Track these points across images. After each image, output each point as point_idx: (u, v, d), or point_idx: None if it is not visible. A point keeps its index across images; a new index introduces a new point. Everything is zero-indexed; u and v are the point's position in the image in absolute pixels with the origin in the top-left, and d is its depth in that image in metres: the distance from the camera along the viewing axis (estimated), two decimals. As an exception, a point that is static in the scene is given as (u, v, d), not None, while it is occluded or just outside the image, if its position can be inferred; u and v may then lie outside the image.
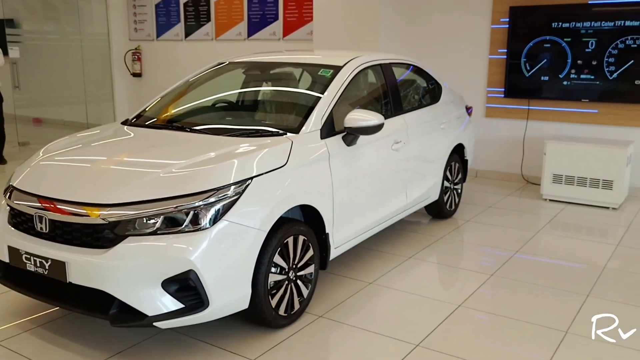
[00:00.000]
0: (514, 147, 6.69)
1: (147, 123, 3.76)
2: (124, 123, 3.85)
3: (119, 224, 2.64)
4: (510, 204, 5.82)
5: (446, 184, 5.05)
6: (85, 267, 2.62)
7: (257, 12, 8.45)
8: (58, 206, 2.73)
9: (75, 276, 2.65)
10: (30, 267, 2.78)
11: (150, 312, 2.60)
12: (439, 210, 5.09)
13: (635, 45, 5.71)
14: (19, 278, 3.00)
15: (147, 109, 4.04)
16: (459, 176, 5.33)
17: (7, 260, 2.90)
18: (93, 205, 2.66)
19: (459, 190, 5.37)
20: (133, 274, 2.59)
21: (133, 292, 2.59)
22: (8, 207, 3.03)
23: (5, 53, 8.66)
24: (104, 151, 3.26)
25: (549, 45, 6.16)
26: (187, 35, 9.24)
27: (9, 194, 3.06)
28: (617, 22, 5.78)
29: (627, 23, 5.73)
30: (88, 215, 2.65)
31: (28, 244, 2.80)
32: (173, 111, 3.97)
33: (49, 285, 2.87)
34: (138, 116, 3.96)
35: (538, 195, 6.02)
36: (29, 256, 2.77)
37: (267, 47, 8.31)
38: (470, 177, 6.91)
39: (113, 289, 2.59)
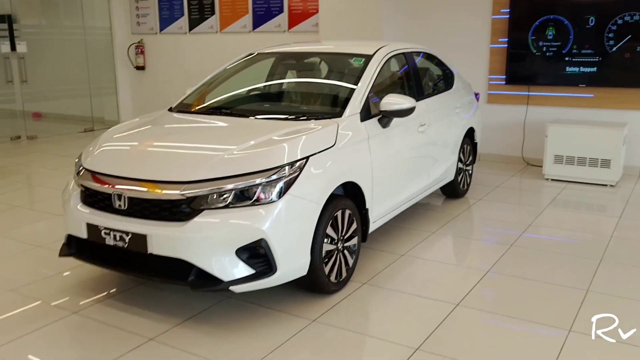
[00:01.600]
0: (515, 131, 7.06)
1: (194, 110, 4.01)
2: (171, 110, 4.10)
3: (195, 199, 2.91)
4: (515, 184, 6.19)
5: (459, 165, 5.38)
6: (166, 239, 2.89)
7: (261, 5, 8.67)
8: (137, 185, 2.99)
9: (156, 247, 2.92)
10: (110, 241, 3.04)
11: (225, 278, 2.89)
12: (453, 190, 5.43)
13: (629, 34, 6.10)
14: (91, 253, 3.26)
15: (187, 98, 4.28)
16: (470, 158, 5.68)
17: (85, 236, 3.15)
18: (173, 183, 2.93)
19: (470, 172, 5.72)
20: (210, 244, 2.87)
21: (210, 260, 2.87)
22: (81, 188, 3.27)
23: (13, 48, 8.79)
24: (166, 135, 3.52)
25: (549, 32, 6.52)
26: (191, 28, 9.41)
27: (80, 175, 3.30)
28: (613, 9, 6.16)
29: (622, 10, 6.11)
30: (169, 192, 2.91)
31: (107, 220, 3.05)
32: (216, 99, 4.23)
33: (120, 258, 3.14)
34: (180, 104, 4.20)
35: (540, 175, 6.40)
36: (108, 231, 3.03)
37: (273, 39, 8.53)
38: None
39: (192, 257, 2.87)
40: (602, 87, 6.41)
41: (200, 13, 9.25)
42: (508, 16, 6.77)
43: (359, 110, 3.71)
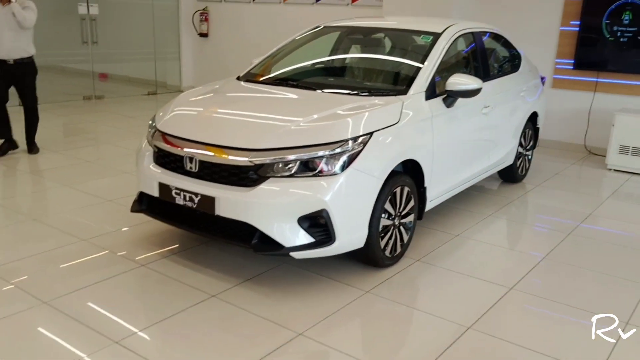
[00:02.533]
0: (579, 118, 6.86)
1: (262, 80, 4.11)
2: (238, 79, 4.21)
3: (262, 167, 3.02)
4: (576, 172, 6.05)
5: (520, 149, 5.31)
6: (233, 202, 3.03)
7: (326, -23, 8.63)
8: (208, 149, 3.13)
9: (223, 210, 3.06)
10: (180, 201, 3.20)
11: (286, 244, 3.01)
12: (511, 175, 5.37)
13: None
14: (161, 211, 3.44)
15: (254, 68, 4.38)
16: (531, 143, 5.58)
17: (156, 194, 3.33)
18: (242, 150, 3.05)
19: (530, 157, 5.63)
20: (274, 210, 2.99)
21: (273, 225, 2.99)
22: (154, 149, 3.44)
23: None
24: (236, 102, 3.65)
25: (623, 18, 6.26)
26: (255, -3, 9.48)
27: (153, 136, 3.47)
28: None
29: None
30: (239, 157, 3.04)
31: (178, 180, 3.21)
32: (283, 70, 4.31)
33: (188, 217, 3.30)
34: (248, 74, 4.30)
35: (602, 165, 6.23)
36: (179, 191, 3.19)
37: (336, 12, 8.52)
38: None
39: (257, 222, 3.00)
40: (678, 77, 6.14)
41: (265, -18, 9.29)
42: (582, -2, 6.53)
43: (424, 89, 3.72)
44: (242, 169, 3.06)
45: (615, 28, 6.34)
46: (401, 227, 3.57)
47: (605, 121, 6.46)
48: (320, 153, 3.03)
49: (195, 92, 3.88)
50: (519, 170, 5.43)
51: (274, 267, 3.46)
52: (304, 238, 3.04)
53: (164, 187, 3.27)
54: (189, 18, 10.28)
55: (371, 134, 3.20)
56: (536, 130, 5.67)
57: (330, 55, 4.62)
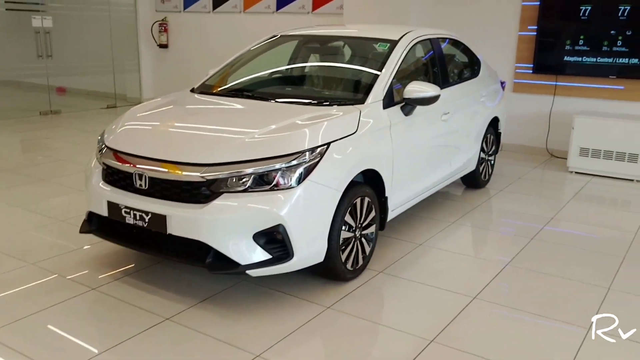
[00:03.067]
0: (540, 121, 6.93)
1: (216, 91, 4.00)
2: (192, 91, 4.09)
3: (214, 182, 2.91)
4: (538, 176, 6.09)
5: (482, 155, 5.31)
6: (185, 220, 2.90)
7: (286, -15, 8.58)
8: (158, 165, 3.00)
9: (175, 228, 2.93)
10: (130, 220, 3.06)
11: (242, 261, 2.89)
12: (474, 180, 5.36)
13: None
14: (111, 231, 3.29)
15: (209, 79, 4.26)
16: (493, 148, 5.59)
17: (105, 214, 3.18)
18: (194, 165, 2.93)
19: (492, 162, 5.64)
20: (228, 227, 2.87)
21: (228, 243, 2.88)
22: (103, 166, 3.29)
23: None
24: (189, 116, 3.52)
25: (579, 22, 6.35)
26: (214, 7, 9.38)
27: (102, 153, 3.32)
28: (647, 1, 5.98)
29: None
30: (190, 173, 2.92)
31: (128, 199, 3.07)
32: (239, 81, 4.20)
33: (139, 237, 3.16)
34: (202, 85, 4.18)
35: (564, 168, 6.29)
36: (128, 210, 3.05)
37: (297, 20, 8.47)
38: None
39: (211, 240, 2.88)
40: (634, 79, 6.24)
41: (224, -8, 9.19)
42: (539, 3, 6.60)
43: (382, 97, 3.66)
44: (193, 185, 2.94)
45: (571, 32, 6.42)
46: (362, 239, 3.49)
47: (565, 124, 6.53)
48: (276, 166, 2.93)
49: (146, 106, 3.74)
50: (482, 175, 5.42)
51: (232, 285, 3.34)
52: (261, 255, 2.93)
53: (113, 206, 3.12)
54: (147, 29, 10.10)
55: (328, 144, 3.12)
56: (498, 135, 5.68)
57: (287, 65, 4.53)
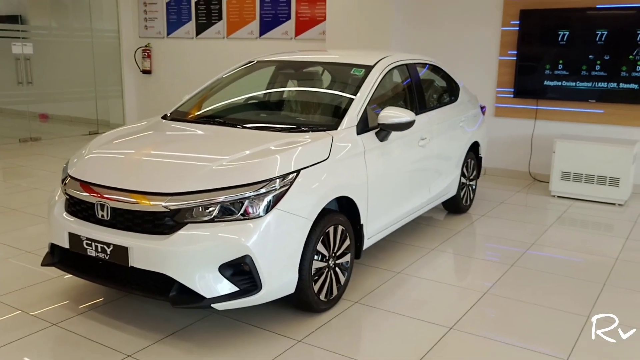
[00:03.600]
0: (522, 145, 6.91)
1: (187, 118, 3.92)
2: (164, 118, 4.01)
3: (179, 212, 2.81)
4: (521, 200, 6.03)
5: (463, 180, 5.25)
6: (147, 252, 2.79)
7: (269, 11, 8.60)
8: (120, 195, 2.90)
9: (137, 261, 2.81)
10: (92, 252, 2.94)
11: (208, 295, 2.78)
12: (456, 205, 5.29)
13: (642, 49, 5.96)
14: (75, 263, 3.16)
15: (182, 105, 4.19)
16: (474, 173, 5.54)
17: (67, 246, 3.06)
18: (156, 194, 2.83)
19: (474, 187, 5.58)
20: (193, 259, 2.76)
21: (192, 275, 2.77)
22: (66, 196, 3.18)
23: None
24: (156, 144, 3.43)
25: (558, 47, 6.38)
26: (198, 33, 9.37)
27: (65, 183, 3.21)
28: (623, 27, 6.01)
29: (634, 27, 5.95)
30: (152, 204, 2.82)
31: (89, 230, 2.96)
32: (211, 107, 4.14)
33: (103, 270, 3.04)
34: (175, 112, 4.11)
35: (546, 192, 6.24)
36: (90, 242, 2.93)
37: (280, 46, 8.47)
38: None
39: (174, 272, 2.76)
40: (613, 103, 6.25)
41: (207, 18, 9.21)
42: (518, 28, 6.63)
43: (356, 123, 3.60)
44: (156, 216, 2.83)
45: (550, 57, 6.44)
46: (337, 268, 3.39)
47: (547, 148, 6.51)
48: (243, 194, 2.84)
49: (114, 134, 3.65)
50: (464, 200, 5.36)
51: (200, 319, 3.21)
52: (227, 287, 2.82)
53: (74, 238, 3.01)
54: (131, 55, 10.06)
55: (298, 171, 3.04)
56: (479, 160, 5.63)
57: (262, 91, 4.47)
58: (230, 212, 2.83)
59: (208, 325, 3.15)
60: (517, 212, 5.60)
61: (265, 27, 8.69)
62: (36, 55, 9.01)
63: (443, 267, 4.16)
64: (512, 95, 6.83)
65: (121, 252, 2.84)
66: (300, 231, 3.00)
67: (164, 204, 2.80)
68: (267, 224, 2.83)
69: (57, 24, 10.47)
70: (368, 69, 4.00)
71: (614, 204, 5.86)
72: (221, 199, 2.82)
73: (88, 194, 3.02)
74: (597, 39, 6.16)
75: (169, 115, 4.07)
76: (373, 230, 3.77)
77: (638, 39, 5.94)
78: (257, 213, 2.83)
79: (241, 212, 2.83)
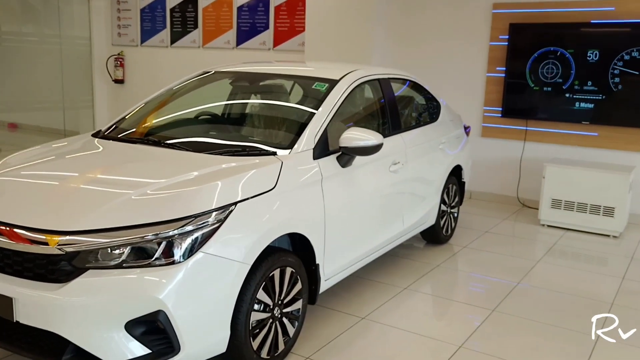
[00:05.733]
0: (511, 168, 6.42)
1: (120, 136, 3.39)
2: (95, 135, 3.48)
3: (78, 255, 2.27)
4: (507, 229, 5.53)
5: (443, 207, 4.74)
6: (35, 304, 2.25)
7: (246, 21, 8.13)
8: (5, 231, 2.36)
9: (23, 315, 2.27)
10: (-27, 301, 2.39)
11: (110, 359, 2.23)
12: (435, 236, 4.78)
13: (638, 69, 5.49)
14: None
15: (122, 120, 3.68)
16: (456, 199, 5.03)
17: (-53, 291, 2.50)
18: (48, 232, 2.29)
19: (456, 214, 5.07)
20: (91, 314, 2.22)
21: (91, 335, 2.23)
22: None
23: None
24: (68, 168, 2.88)
25: (549, 64, 5.92)
26: (172, 41, 8.88)
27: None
28: (620, 43, 5.56)
29: (629, 45, 5.51)
30: (42, 244, 2.28)
31: (-28, 274, 2.41)
32: (151, 123, 3.62)
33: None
34: (112, 127, 3.59)
35: (535, 220, 5.74)
36: (-28, 289, 2.39)
37: (257, 56, 8.00)
38: (464, 199, 6.61)
39: (67, 331, 2.22)
40: (608, 125, 5.78)
41: (182, 26, 8.72)
42: (507, 43, 6.17)
43: (313, 146, 3.08)
44: (50, 259, 2.29)
45: (540, 75, 5.98)
46: (284, 319, 2.85)
47: (537, 171, 6.01)
48: (160, 234, 2.30)
49: (26, 155, 3.10)
50: (444, 230, 4.84)
51: (114, 380, 2.66)
52: (137, 349, 2.27)
53: (-45, 283, 2.46)
54: (102, 63, 9.54)
55: (233, 205, 2.51)
56: (462, 185, 5.13)
57: (211, 106, 3.95)
58: (144, 255, 2.30)
59: (122, 389, 2.60)
60: (503, 243, 5.09)
61: (243, 36, 8.21)
62: (0, 61, 8.48)
63: (414, 312, 3.62)
64: (500, 115, 6.35)
65: (6, 303, 2.29)
66: (232, 278, 2.47)
67: (58, 244, 2.26)
68: (187, 271, 2.30)
69: (26, 29, 9.95)
70: (332, 83, 3.50)
71: (608, 235, 5.36)
72: (133, 238, 2.28)
73: (-28, 230, 2.47)
74: (590, 56, 5.70)
75: (102, 131, 3.54)
76: (333, 271, 3.25)
77: (634, 56, 5.49)
78: (174, 258, 2.29)
79: (157, 255, 2.30)
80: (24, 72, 9.58)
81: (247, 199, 2.59)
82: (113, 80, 9.56)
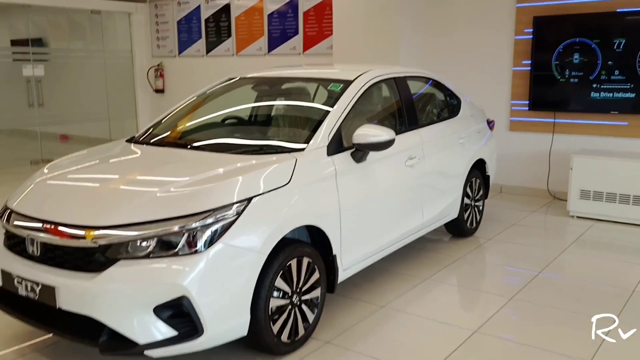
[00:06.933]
0: (540, 161, 6.43)
1: (152, 141, 3.67)
2: (129, 141, 3.77)
3: (110, 247, 2.53)
4: (535, 221, 5.56)
5: (466, 200, 4.84)
6: (74, 292, 2.52)
7: (277, 27, 8.39)
8: (49, 228, 2.65)
9: (65, 302, 2.55)
10: (22, 291, 2.70)
11: (141, 340, 2.49)
12: (459, 229, 4.88)
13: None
14: (14, 301, 2.92)
15: (154, 127, 3.96)
16: (481, 192, 5.11)
17: (0, 284, 2.82)
18: (84, 228, 2.56)
19: (481, 207, 5.15)
20: (123, 300, 2.48)
21: (123, 318, 2.48)
22: (4, 230, 2.95)
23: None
24: (103, 171, 3.18)
25: (575, 55, 5.91)
26: (208, 51, 9.24)
27: (6, 215, 2.98)
28: (647, 30, 5.52)
29: (658, 31, 5.46)
30: (79, 238, 2.55)
31: (20, 267, 2.72)
32: (180, 128, 3.89)
33: (42, 310, 2.77)
34: (145, 133, 3.87)
35: (565, 211, 5.74)
36: (20, 280, 2.69)
37: (288, 61, 8.24)
38: (494, 192, 6.65)
39: (102, 315, 2.48)
40: (638, 114, 5.72)
41: (217, 36, 9.06)
42: (532, 37, 6.19)
43: (327, 143, 3.27)
44: (86, 251, 2.57)
45: (566, 67, 5.97)
46: (303, 305, 3.05)
47: (566, 164, 5.98)
48: (183, 227, 2.54)
49: (67, 160, 3.43)
50: (468, 223, 4.93)
51: (148, 362, 2.91)
52: (164, 331, 2.52)
53: (6, 275, 2.77)
54: (143, 75, 10.01)
55: (250, 199, 2.73)
56: (486, 179, 5.21)
57: (235, 110, 4.19)
58: (169, 246, 2.54)
59: (155, 370, 2.85)
60: (529, 235, 5.13)
61: (274, 43, 8.48)
62: (48, 77, 9.03)
63: (433, 301, 3.75)
64: (527, 108, 6.37)
65: (49, 291, 2.58)
66: (250, 266, 2.68)
67: (93, 238, 2.53)
68: (207, 260, 2.53)
69: (73, 45, 10.53)
70: (347, 84, 3.68)
71: (638, 225, 5.32)
72: (159, 231, 2.53)
73: (20, 228, 2.78)
74: (617, 46, 5.67)
75: (136, 137, 3.84)
76: (351, 261, 3.42)
77: (662, 44, 5.44)
78: (196, 248, 2.53)
79: (181, 246, 2.53)
80: (72, 86, 10.13)
81: (263, 193, 2.80)
82: (154, 90, 10.02)
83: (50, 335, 3.18)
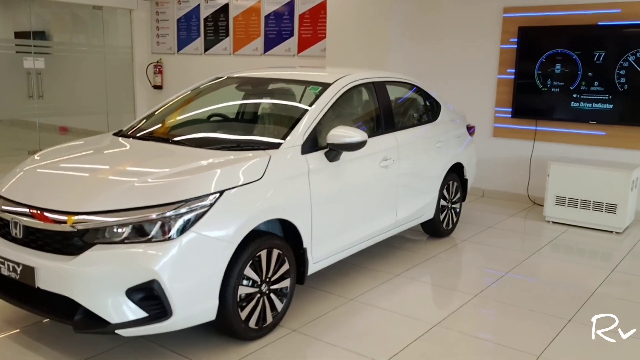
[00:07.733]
0: (521, 167, 6.61)
1: (138, 135, 3.86)
2: (117, 134, 3.96)
3: (87, 232, 2.72)
4: (512, 225, 5.73)
5: (443, 202, 5.02)
6: (51, 272, 2.71)
7: (273, 29, 8.58)
8: (35, 214, 2.83)
9: (43, 281, 2.74)
10: (5, 271, 2.88)
11: (113, 320, 2.67)
12: (435, 229, 5.06)
13: (645, 67, 5.61)
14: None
15: (142, 121, 4.14)
16: (458, 195, 5.29)
17: (-15, 264, 3.01)
18: (63, 213, 2.75)
19: (458, 209, 5.33)
20: (97, 281, 2.66)
21: (97, 299, 2.66)
22: (-7, 213, 3.14)
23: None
24: (89, 161, 3.36)
25: (557, 65, 6.09)
26: (206, 49, 9.43)
27: (-4, 199, 3.17)
28: (626, 44, 5.69)
29: (635, 45, 5.63)
30: (60, 223, 2.74)
31: (3, 248, 2.90)
32: (166, 124, 4.07)
33: (25, 290, 2.96)
34: (133, 128, 4.06)
35: (541, 217, 5.92)
36: (3, 260, 2.88)
37: (282, 62, 8.43)
38: (476, 196, 6.84)
39: (77, 295, 2.67)
40: (615, 125, 5.90)
41: (215, 35, 9.25)
42: (516, 46, 6.37)
43: (302, 142, 3.45)
44: (65, 235, 2.75)
45: (547, 76, 6.16)
46: (272, 294, 3.23)
47: (546, 170, 6.18)
48: (154, 215, 2.72)
49: (55, 150, 3.61)
50: (444, 224, 5.11)
51: (122, 344, 3.10)
52: (136, 312, 2.70)
53: (-9, 256, 2.96)
54: (142, 70, 10.20)
55: (222, 192, 2.91)
56: (464, 182, 5.39)
57: (217, 108, 4.37)
58: (143, 233, 2.73)
59: (128, 350, 3.04)
60: (504, 237, 5.31)
61: (270, 43, 8.67)
62: (48, 69, 9.22)
63: (400, 296, 3.93)
64: (510, 115, 6.56)
65: (29, 272, 2.77)
66: (219, 255, 2.87)
67: (71, 223, 2.72)
68: (178, 247, 2.71)
69: (74, 39, 10.72)
70: (325, 86, 3.86)
71: (611, 231, 5.50)
72: (133, 219, 2.71)
73: (4, 212, 2.97)
74: (597, 58, 5.85)
75: (124, 130, 4.02)
76: (321, 255, 3.60)
77: (639, 56, 5.62)
78: (168, 235, 2.71)
79: (154, 233, 2.72)
80: (72, 80, 10.33)
81: (234, 187, 2.98)
82: (152, 86, 10.22)
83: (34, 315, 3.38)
